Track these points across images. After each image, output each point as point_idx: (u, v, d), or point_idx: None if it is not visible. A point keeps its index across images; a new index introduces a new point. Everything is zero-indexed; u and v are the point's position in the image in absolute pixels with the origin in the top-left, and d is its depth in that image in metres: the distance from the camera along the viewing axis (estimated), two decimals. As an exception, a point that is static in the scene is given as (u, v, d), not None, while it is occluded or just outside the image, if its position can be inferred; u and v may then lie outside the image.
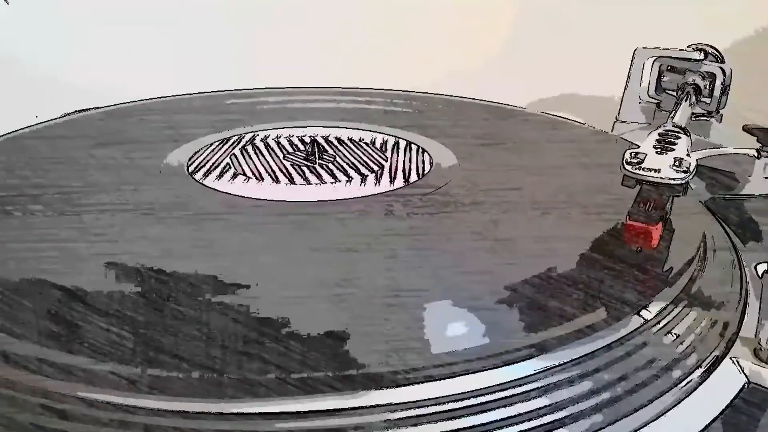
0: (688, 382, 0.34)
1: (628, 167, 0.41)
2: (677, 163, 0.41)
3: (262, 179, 0.48)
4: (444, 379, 0.31)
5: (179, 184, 0.47)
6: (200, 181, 0.47)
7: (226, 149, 0.53)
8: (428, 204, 0.45)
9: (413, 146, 0.55)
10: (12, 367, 0.32)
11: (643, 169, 0.41)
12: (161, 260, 0.38)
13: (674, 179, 0.41)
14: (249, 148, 0.53)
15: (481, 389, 0.31)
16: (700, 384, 0.34)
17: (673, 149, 0.43)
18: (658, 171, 0.41)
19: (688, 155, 0.42)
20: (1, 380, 0.31)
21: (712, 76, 0.60)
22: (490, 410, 0.31)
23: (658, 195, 0.40)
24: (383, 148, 0.54)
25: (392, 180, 0.48)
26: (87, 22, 0.77)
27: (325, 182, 0.48)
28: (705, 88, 0.60)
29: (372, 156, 0.52)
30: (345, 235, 0.42)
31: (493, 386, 0.31)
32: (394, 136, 0.56)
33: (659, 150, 0.43)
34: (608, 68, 0.67)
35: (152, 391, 0.30)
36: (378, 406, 0.30)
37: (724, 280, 0.41)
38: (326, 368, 0.31)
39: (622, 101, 0.66)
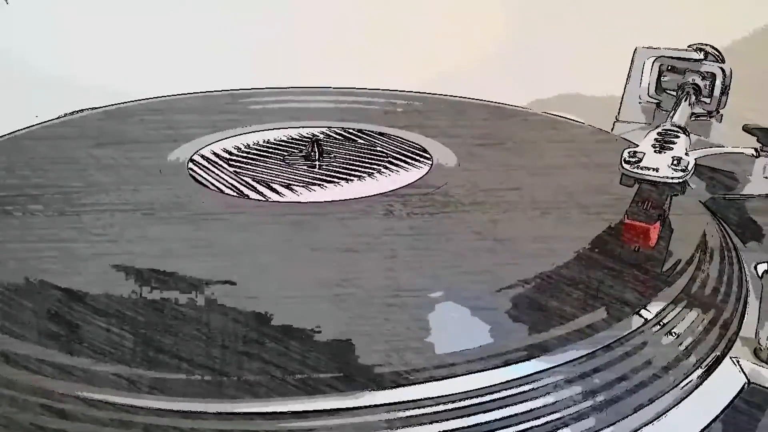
0: (688, 382, 0.34)
1: (627, 166, 0.41)
2: (675, 161, 0.41)
3: (313, 189, 0.47)
4: (444, 379, 0.31)
5: (179, 184, 0.47)
6: (200, 181, 0.47)
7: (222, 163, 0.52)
8: (428, 204, 0.45)
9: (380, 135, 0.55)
10: (12, 367, 0.32)
11: (642, 168, 0.41)
12: (161, 260, 0.38)
13: (672, 178, 0.41)
14: (243, 155, 0.53)
15: (481, 389, 0.31)
16: (700, 384, 0.34)
17: (672, 148, 0.43)
18: (657, 170, 0.41)
19: (686, 154, 0.42)
20: (1, 380, 0.31)
21: (712, 76, 0.60)
22: (490, 410, 0.31)
23: (656, 194, 0.40)
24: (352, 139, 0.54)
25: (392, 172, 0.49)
26: (87, 22, 0.77)
27: (333, 183, 0.48)
28: (705, 88, 0.60)
29: (369, 153, 0.52)
30: (345, 235, 0.42)
31: (493, 386, 0.31)
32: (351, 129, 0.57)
33: (658, 149, 0.43)
34: (608, 68, 0.67)
35: (152, 391, 0.30)
36: (378, 406, 0.30)
37: (724, 280, 0.41)
38: (326, 368, 0.31)
39: (622, 101, 0.66)
